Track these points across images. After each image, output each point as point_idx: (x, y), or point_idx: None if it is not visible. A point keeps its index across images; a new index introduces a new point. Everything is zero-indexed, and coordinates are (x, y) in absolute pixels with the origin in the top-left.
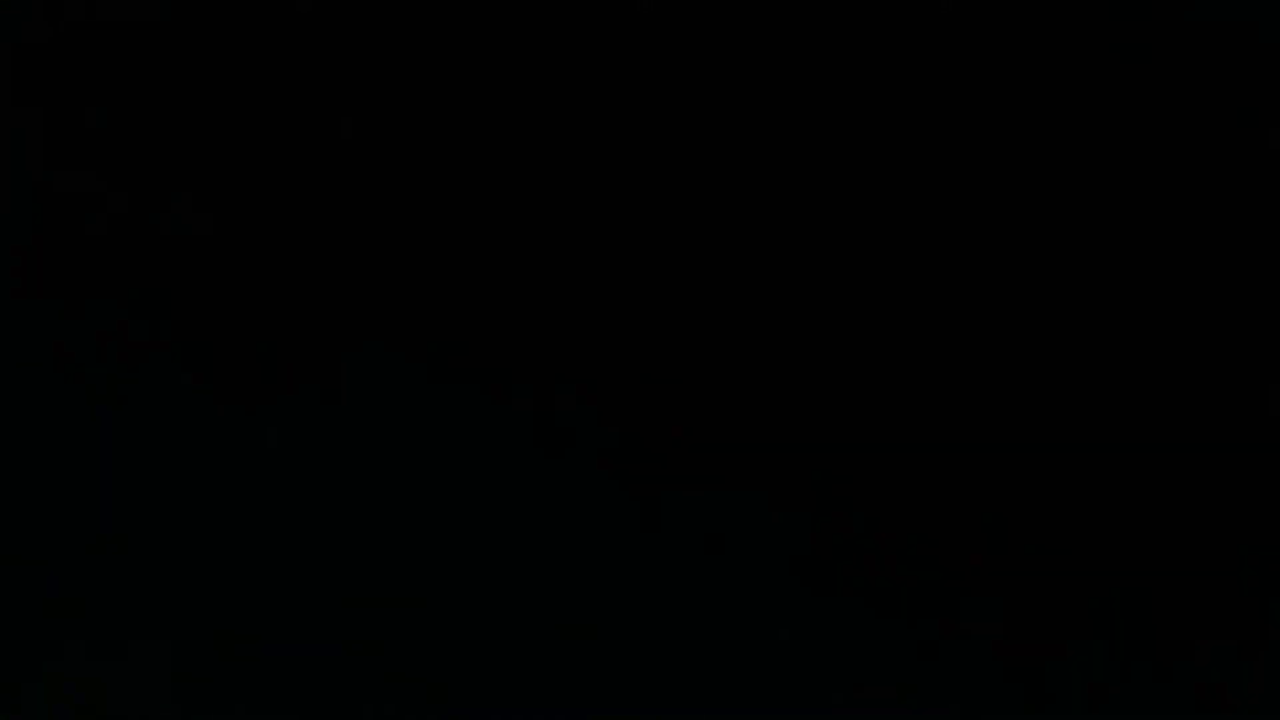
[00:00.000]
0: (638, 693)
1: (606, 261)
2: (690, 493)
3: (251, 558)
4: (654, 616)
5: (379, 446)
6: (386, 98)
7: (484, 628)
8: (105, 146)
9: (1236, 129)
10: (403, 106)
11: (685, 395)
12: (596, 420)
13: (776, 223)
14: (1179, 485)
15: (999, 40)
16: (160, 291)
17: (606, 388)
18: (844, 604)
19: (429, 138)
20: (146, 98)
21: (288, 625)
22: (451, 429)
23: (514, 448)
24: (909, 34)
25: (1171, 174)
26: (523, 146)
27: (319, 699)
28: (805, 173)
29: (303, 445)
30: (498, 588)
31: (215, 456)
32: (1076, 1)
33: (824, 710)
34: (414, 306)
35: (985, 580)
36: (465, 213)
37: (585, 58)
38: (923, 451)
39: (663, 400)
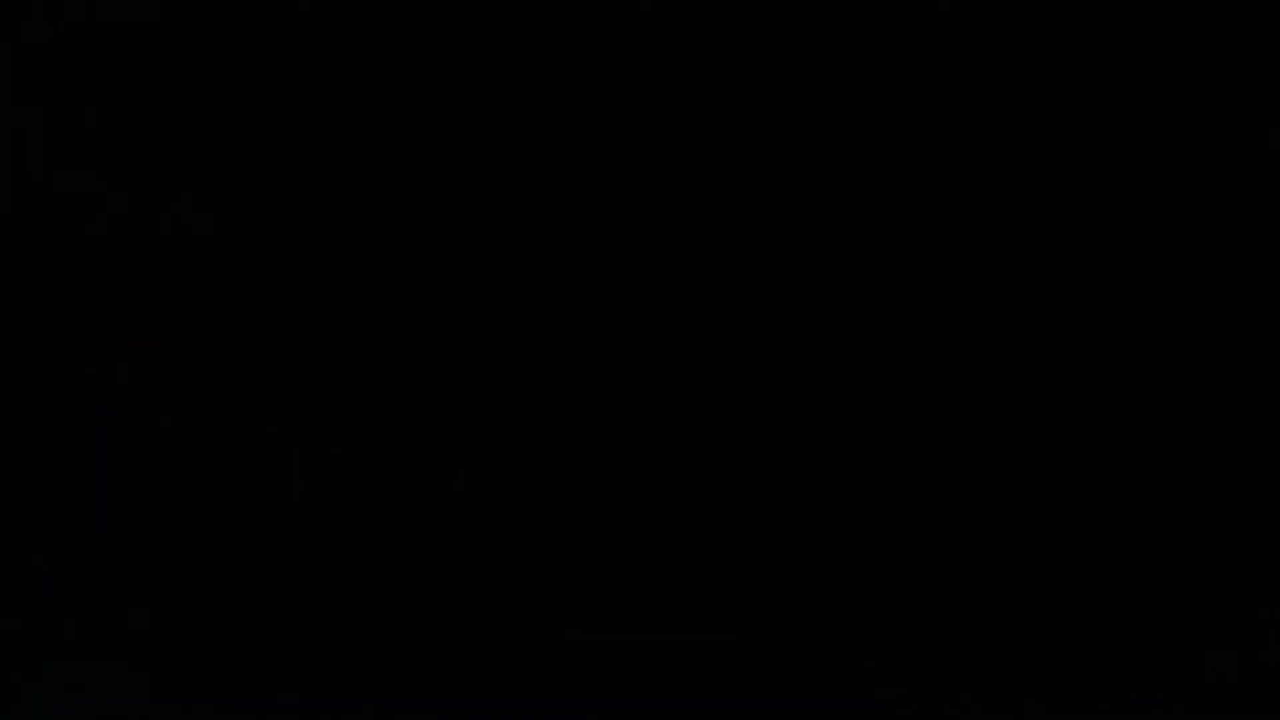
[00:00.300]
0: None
1: (586, 266)
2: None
3: (251, 558)
4: (635, 635)
5: (378, 445)
6: (387, 98)
7: (485, 628)
8: (105, 146)
9: (1236, 129)
10: (403, 107)
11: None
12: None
13: (760, 231)
14: (1170, 491)
15: (999, 40)
16: (160, 291)
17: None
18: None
19: (429, 138)
20: (146, 98)
21: (287, 625)
22: (451, 428)
23: (513, 446)
24: (909, 34)
25: (1172, 174)
26: (523, 147)
27: (318, 698)
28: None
29: (302, 445)
30: (497, 588)
31: (215, 456)
32: (1076, 1)
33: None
34: (414, 305)
35: (980, 583)
36: (465, 212)
37: (585, 58)
38: (920, 452)
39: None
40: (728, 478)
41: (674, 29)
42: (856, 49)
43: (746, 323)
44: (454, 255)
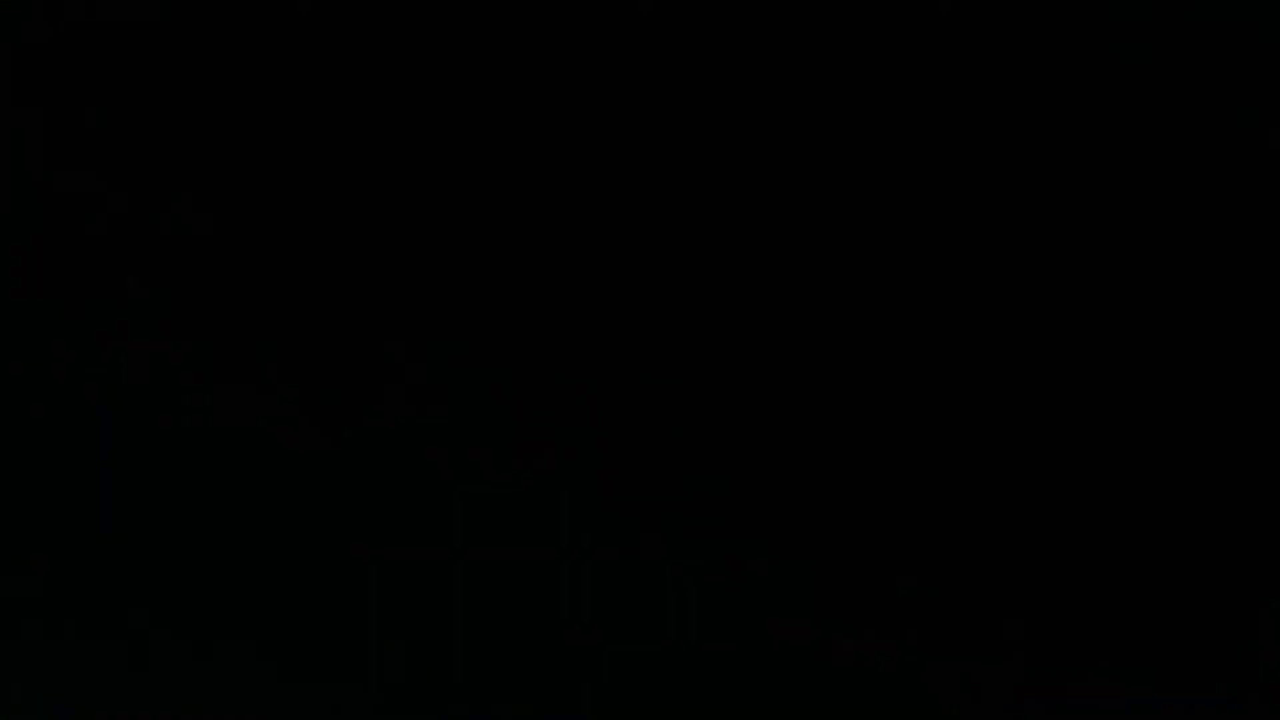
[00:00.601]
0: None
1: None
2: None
3: (252, 558)
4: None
5: (379, 445)
6: (387, 98)
7: (489, 629)
8: (105, 146)
9: (1236, 129)
10: (403, 106)
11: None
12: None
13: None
14: (1171, 489)
15: (999, 40)
16: (160, 291)
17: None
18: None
19: (430, 138)
20: (146, 98)
21: (288, 625)
22: (450, 428)
23: (513, 442)
24: (909, 34)
25: (1172, 174)
26: (523, 147)
27: (319, 700)
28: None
29: (303, 444)
30: (502, 590)
31: (215, 456)
32: (1076, 1)
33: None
34: (415, 305)
35: (981, 587)
36: (466, 212)
37: (585, 58)
38: (919, 452)
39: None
40: (728, 476)
41: (674, 29)
42: (856, 49)
43: (747, 321)
44: (455, 254)
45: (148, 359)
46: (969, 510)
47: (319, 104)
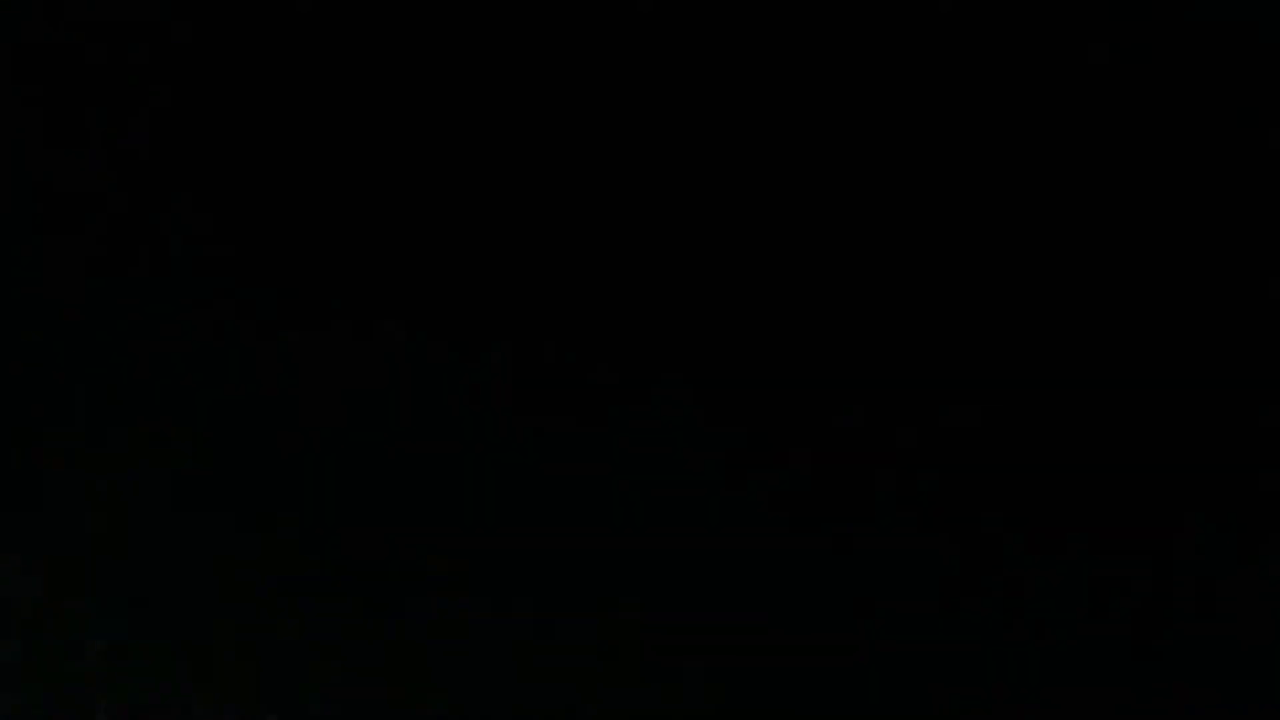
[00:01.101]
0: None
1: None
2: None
3: (254, 556)
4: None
5: (379, 442)
6: (386, 97)
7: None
8: (105, 146)
9: (1236, 129)
10: (402, 106)
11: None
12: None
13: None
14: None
15: (999, 40)
16: (160, 291)
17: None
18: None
19: (428, 137)
20: (146, 98)
21: (289, 624)
22: (447, 425)
23: (513, 440)
24: (909, 34)
25: (1172, 174)
26: (522, 147)
27: (319, 700)
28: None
29: (302, 442)
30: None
31: (215, 455)
32: (1077, 1)
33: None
34: (414, 305)
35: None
36: (464, 211)
37: (585, 58)
38: (920, 452)
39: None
40: (728, 475)
41: (674, 29)
42: (857, 49)
43: (744, 321)
44: (454, 253)
45: (148, 358)
46: (969, 511)
47: (318, 104)
